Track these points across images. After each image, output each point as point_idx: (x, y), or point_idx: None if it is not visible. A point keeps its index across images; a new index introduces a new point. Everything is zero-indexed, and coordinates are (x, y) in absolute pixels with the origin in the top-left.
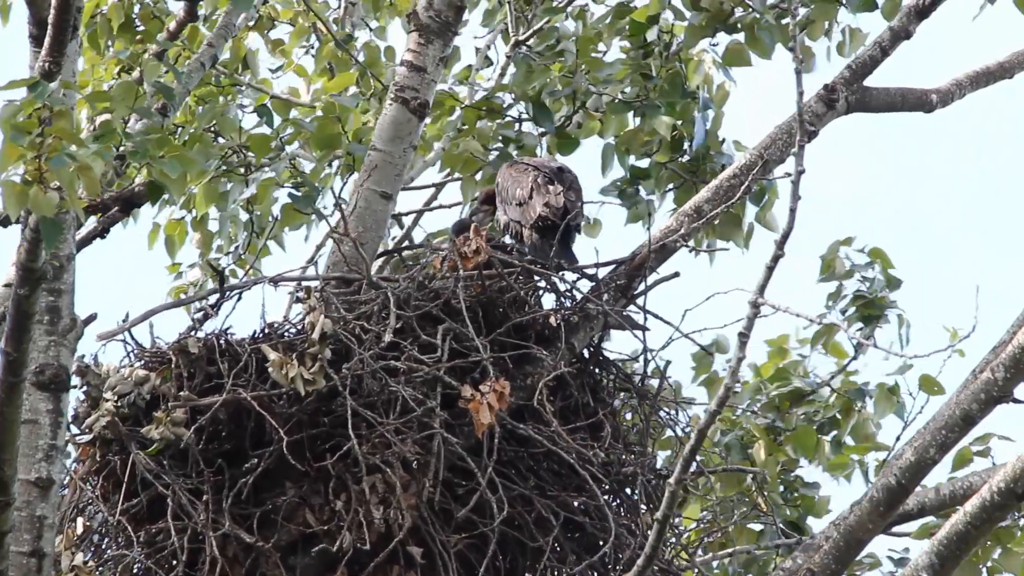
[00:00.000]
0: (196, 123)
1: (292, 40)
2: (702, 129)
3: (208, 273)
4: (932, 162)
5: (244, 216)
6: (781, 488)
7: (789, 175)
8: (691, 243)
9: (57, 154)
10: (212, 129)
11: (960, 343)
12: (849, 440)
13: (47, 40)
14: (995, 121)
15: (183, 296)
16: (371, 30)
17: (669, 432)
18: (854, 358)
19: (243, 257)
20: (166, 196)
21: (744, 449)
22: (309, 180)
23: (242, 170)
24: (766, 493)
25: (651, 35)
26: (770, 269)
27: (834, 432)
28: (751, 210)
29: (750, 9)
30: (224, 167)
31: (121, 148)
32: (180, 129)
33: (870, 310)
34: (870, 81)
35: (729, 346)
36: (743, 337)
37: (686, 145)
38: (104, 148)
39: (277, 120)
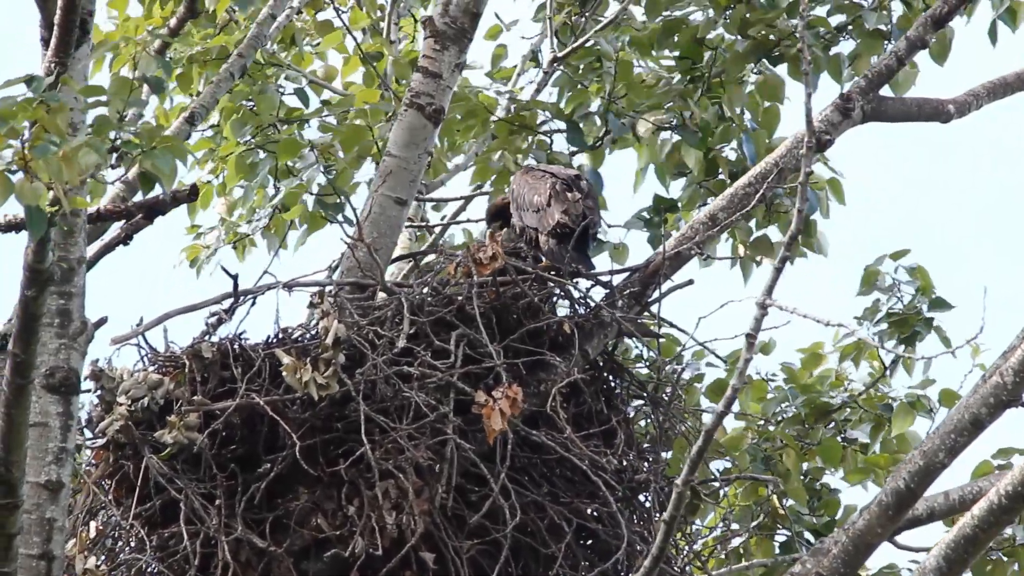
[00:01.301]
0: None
1: (327, 41)
2: (752, 149)
3: (226, 239)
4: (946, 172)
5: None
6: (807, 497)
7: (799, 183)
8: (705, 251)
9: (41, 143)
10: (251, 108)
11: (980, 356)
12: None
13: (53, 41)
14: (1013, 133)
15: (198, 256)
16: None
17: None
18: (883, 375)
19: (266, 229)
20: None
21: (767, 460)
22: (338, 187)
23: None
24: (785, 502)
25: (708, 44)
26: (778, 271)
27: (864, 442)
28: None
29: (798, 42)
30: (257, 145)
31: (117, 141)
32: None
33: (903, 329)
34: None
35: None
36: (750, 338)
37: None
38: (97, 139)
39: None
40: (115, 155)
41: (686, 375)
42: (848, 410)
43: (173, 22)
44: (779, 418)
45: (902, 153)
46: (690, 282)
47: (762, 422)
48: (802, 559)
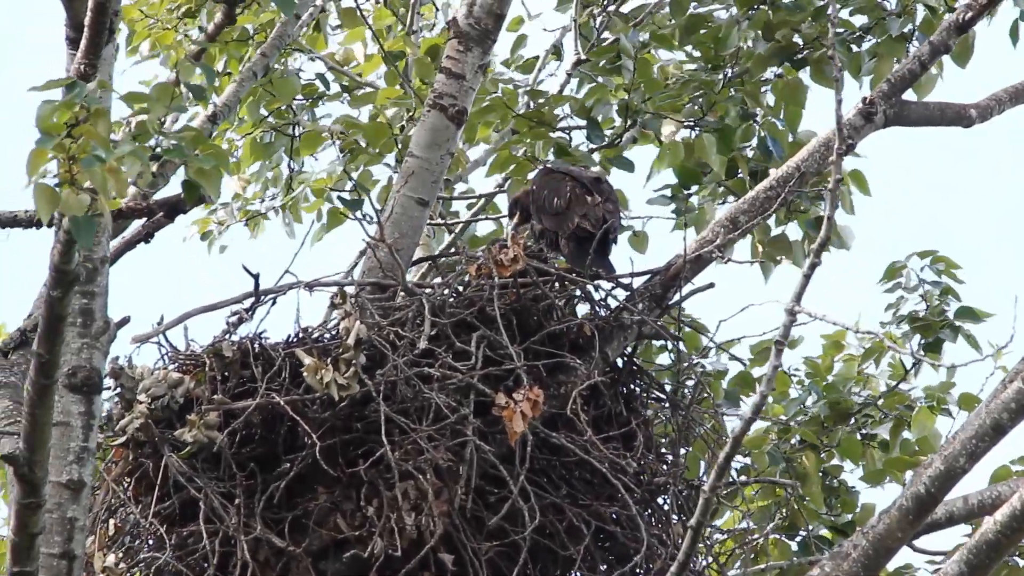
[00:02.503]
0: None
1: (351, 37)
2: (778, 147)
3: (239, 216)
4: (967, 176)
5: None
6: (825, 496)
7: (825, 187)
8: (725, 254)
9: (87, 156)
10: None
11: (1002, 359)
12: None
13: (83, 43)
14: None
15: (210, 230)
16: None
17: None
18: (904, 377)
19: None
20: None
21: (786, 460)
22: (360, 183)
23: (289, 129)
24: (804, 500)
25: (729, 44)
26: (807, 278)
27: (883, 439)
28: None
29: (821, 47)
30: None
31: (157, 148)
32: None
33: (926, 333)
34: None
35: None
36: (779, 345)
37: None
38: (140, 149)
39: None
40: (155, 162)
41: (708, 365)
42: (868, 409)
43: (211, 28)
44: (799, 418)
45: (924, 157)
46: (711, 285)
47: (783, 419)
48: (821, 562)
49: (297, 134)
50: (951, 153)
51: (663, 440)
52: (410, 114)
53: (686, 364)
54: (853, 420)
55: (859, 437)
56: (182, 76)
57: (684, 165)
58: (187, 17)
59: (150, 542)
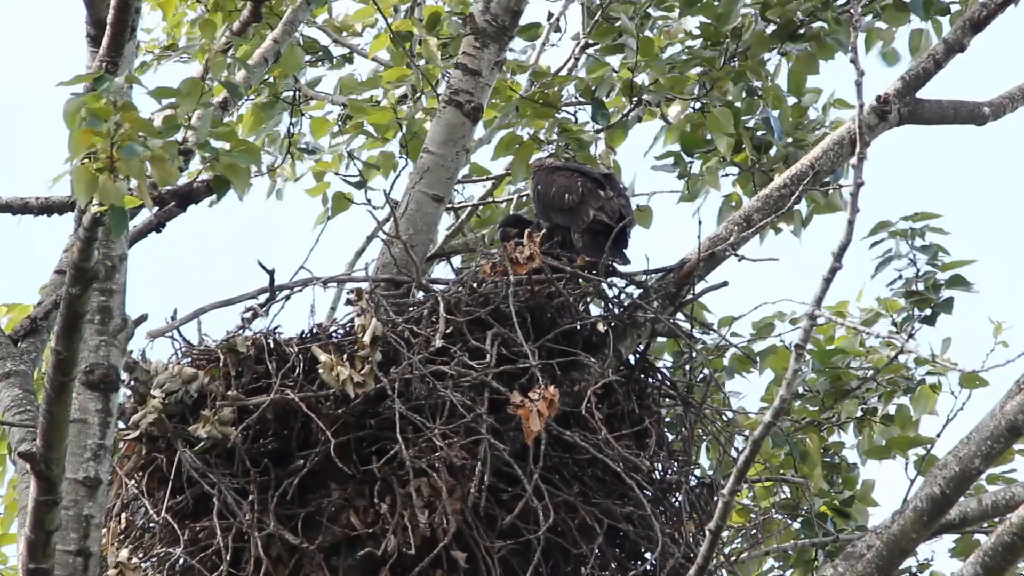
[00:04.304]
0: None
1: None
2: (778, 127)
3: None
4: (981, 174)
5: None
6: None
7: (841, 186)
8: (739, 252)
9: (130, 143)
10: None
11: (1002, 335)
12: (895, 430)
13: (105, 40)
14: None
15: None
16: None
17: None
18: (896, 355)
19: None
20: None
21: (788, 442)
22: (364, 170)
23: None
24: (811, 488)
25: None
26: (827, 281)
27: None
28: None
29: (820, 23)
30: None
31: (184, 143)
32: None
33: (921, 306)
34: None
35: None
36: (799, 349)
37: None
38: (171, 143)
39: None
40: (183, 157)
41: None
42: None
43: (236, 25)
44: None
45: (937, 155)
46: (724, 284)
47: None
48: (834, 563)
49: (297, 95)
50: (966, 151)
51: (676, 438)
52: (416, 95)
53: (694, 354)
54: (853, 395)
55: (859, 413)
56: (213, 72)
57: (686, 132)
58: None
59: (163, 537)
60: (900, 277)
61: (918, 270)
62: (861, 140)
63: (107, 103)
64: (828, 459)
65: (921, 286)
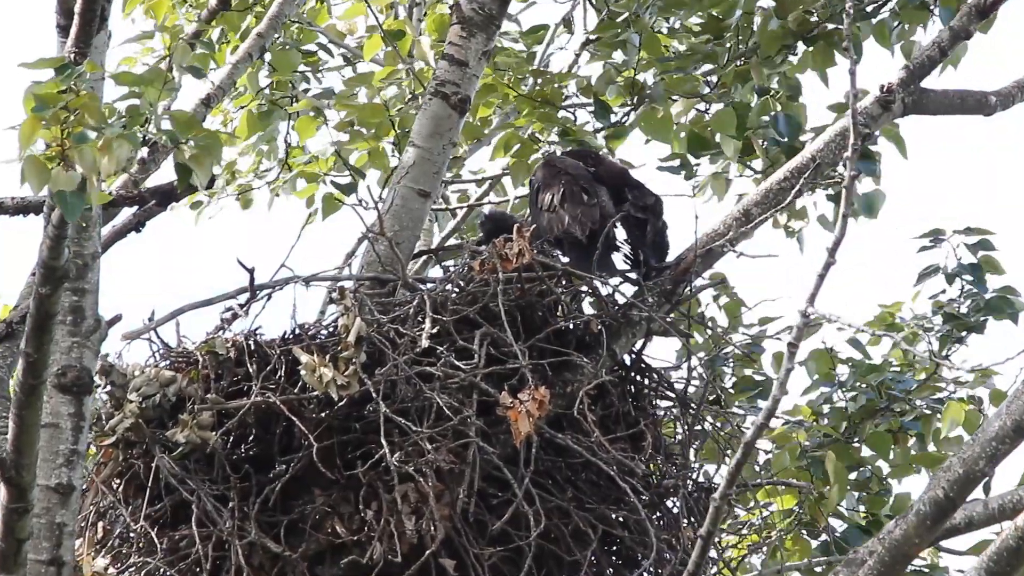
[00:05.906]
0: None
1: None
2: (786, 126)
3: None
4: (989, 165)
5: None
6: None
7: (842, 179)
8: (737, 248)
9: (80, 130)
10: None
11: None
12: (932, 447)
13: (74, 29)
14: None
15: (200, 200)
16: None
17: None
18: (934, 372)
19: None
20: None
21: (808, 457)
22: (355, 168)
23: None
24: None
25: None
26: (821, 277)
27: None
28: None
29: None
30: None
31: (148, 134)
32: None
33: (959, 327)
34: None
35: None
36: (792, 348)
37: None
38: (131, 132)
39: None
40: (146, 147)
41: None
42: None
43: (204, 13)
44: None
45: (943, 145)
46: (722, 281)
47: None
48: (835, 570)
49: (295, 106)
50: (972, 141)
51: (672, 441)
52: (410, 94)
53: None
54: (882, 416)
55: (887, 432)
56: (176, 59)
57: (693, 131)
58: None
59: (140, 546)
60: (944, 292)
61: (962, 288)
62: (856, 132)
63: (69, 91)
64: (858, 476)
65: (964, 308)
